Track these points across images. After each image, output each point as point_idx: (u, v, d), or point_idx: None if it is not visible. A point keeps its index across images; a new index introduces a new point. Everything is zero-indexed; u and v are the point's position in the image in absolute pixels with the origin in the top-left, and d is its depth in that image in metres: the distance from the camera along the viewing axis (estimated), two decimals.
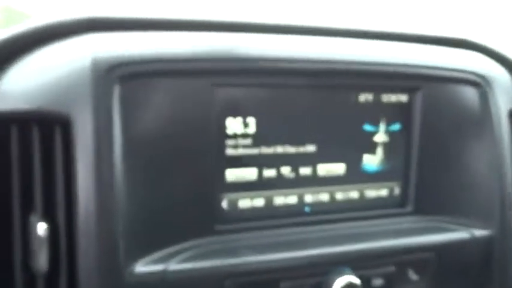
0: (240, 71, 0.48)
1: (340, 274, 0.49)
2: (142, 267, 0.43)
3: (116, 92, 0.42)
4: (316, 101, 0.52)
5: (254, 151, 0.50)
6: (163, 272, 0.43)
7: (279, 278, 0.47)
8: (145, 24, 0.47)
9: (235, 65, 0.47)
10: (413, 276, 0.54)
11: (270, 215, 0.52)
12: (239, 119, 0.49)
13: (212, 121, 0.48)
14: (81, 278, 0.41)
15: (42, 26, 0.45)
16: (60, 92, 0.42)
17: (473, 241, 0.57)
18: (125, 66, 0.43)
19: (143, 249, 0.44)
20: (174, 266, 0.44)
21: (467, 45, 0.62)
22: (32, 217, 0.42)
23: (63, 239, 0.42)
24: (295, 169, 0.53)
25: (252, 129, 0.50)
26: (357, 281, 0.49)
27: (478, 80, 0.58)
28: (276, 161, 0.51)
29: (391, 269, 0.52)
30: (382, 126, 0.56)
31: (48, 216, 0.42)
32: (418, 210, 0.58)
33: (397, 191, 0.58)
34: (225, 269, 0.45)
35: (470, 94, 0.58)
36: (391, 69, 0.53)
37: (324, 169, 0.54)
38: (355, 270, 0.50)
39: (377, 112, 0.55)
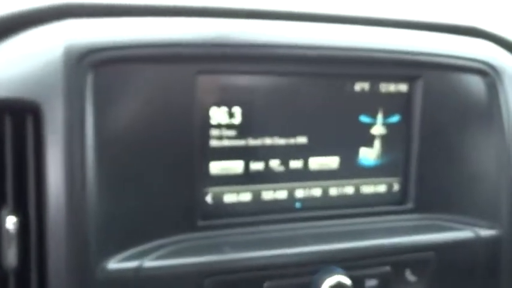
0: (225, 58, 0.45)
1: (330, 274, 0.46)
2: (115, 263, 0.41)
3: (90, 80, 0.40)
4: (308, 90, 0.49)
5: (240, 143, 0.47)
6: (137, 269, 0.41)
7: (263, 277, 0.45)
8: (122, 9, 0.44)
9: (220, 51, 0.44)
10: (410, 277, 0.50)
11: (257, 210, 0.49)
12: (224, 109, 0.47)
13: (195, 111, 0.45)
14: (51, 273, 0.39)
15: (15, 13, 0.43)
16: (33, 80, 0.40)
17: (478, 241, 0.53)
18: (98, 52, 0.40)
19: (118, 246, 0.42)
20: (149, 262, 0.41)
21: (477, 34, 0.58)
22: (3, 211, 0.40)
23: (34, 234, 0.40)
24: (285, 162, 0.50)
25: (237, 119, 0.47)
26: (347, 281, 0.46)
27: (486, 69, 0.53)
28: (264, 153, 0.49)
29: (387, 269, 0.49)
30: (379, 118, 0.52)
31: (20, 211, 0.40)
32: (419, 208, 0.54)
33: (396, 187, 0.55)
34: (204, 267, 0.43)
35: (477, 84, 0.54)
36: (389, 56, 0.50)
37: (316, 163, 0.51)
38: (347, 270, 0.47)
39: (374, 102, 0.52)
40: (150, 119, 0.43)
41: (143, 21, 0.44)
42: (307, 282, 0.46)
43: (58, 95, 0.39)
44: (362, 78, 0.51)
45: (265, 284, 0.44)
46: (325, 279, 0.46)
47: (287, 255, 0.46)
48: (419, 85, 0.52)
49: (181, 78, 0.44)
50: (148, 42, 0.42)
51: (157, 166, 0.44)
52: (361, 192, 0.53)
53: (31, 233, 0.40)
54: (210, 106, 0.46)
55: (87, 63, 0.40)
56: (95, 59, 0.40)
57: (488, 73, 0.53)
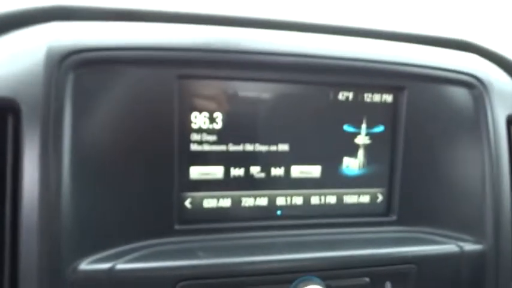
0: (206, 63, 0.45)
1: (307, 283, 0.46)
2: (87, 265, 0.41)
3: (70, 81, 0.41)
4: (291, 97, 0.49)
5: (221, 148, 0.48)
6: (109, 271, 0.41)
7: (238, 284, 0.44)
8: (106, 14, 0.45)
9: (201, 56, 0.45)
10: None
11: (237, 216, 0.49)
12: (205, 114, 0.47)
13: (176, 115, 0.45)
14: (22, 270, 0.39)
15: (1, 14, 0.44)
16: (14, 80, 0.41)
17: (462, 256, 0.52)
18: (79, 54, 0.41)
19: (92, 247, 0.42)
20: (121, 265, 0.41)
21: (465, 47, 0.58)
22: None
23: (8, 231, 0.40)
24: (266, 169, 0.50)
25: (218, 124, 0.47)
26: None
27: (472, 81, 0.53)
28: (244, 159, 0.49)
29: (366, 280, 0.48)
30: (364, 128, 0.52)
31: None
32: (402, 220, 0.54)
33: (379, 198, 0.54)
34: (178, 271, 0.43)
35: (463, 97, 0.54)
36: (374, 66, 0.50)
37: (298, 171, 0.51)
38: (324, 280, 0.47)
39: (359, 112, 0.52)
40: (129, 121, 0.44)
41: (125, 25, 0.45)
42: None
43: (37, 95, 0.40)
44: (346, 87, 0.51)
45: None
46: None
47: (263, 263, 0.45)
48: (405, 96, 0.52)
49: (162, 82, 0.44)
50: (129, 45, 0.42)
51: (136, 169, 0.44)
52: (343, 202, 0.53)
53: (5, 231, 0.40)
54: (191, 111, 0.46)
55: (67, 65, 0.41)
56: (76, 61, 0.41)
57: (475, 86, 0.53)
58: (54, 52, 0.41)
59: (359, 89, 0.51)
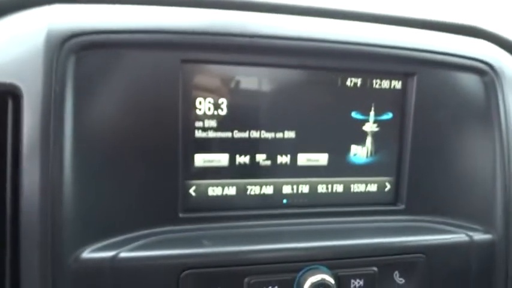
0: (210, 47, 0.44)
1: (314, 272, 0.45)
2: (90, 253, 0.40)
3: (71, 65, 0.40)
4: (298, 83, 0.48)
5: (225, 135, 0.46)
6: (113, 259, 0.40)
7: (244, 273, 0.43)
8: None
9: (205, 40, 0.43)
10: (398, 279, 0.49)
11: (242, 205, 0.48)
12: (210, 100, 0.46)
13: (180, 100, 0.44)
14: (23, 258, 0.38)
15: None
16: (15, 64, 0.40)
17: (472, 245, 0.51)
18: (80, 37, 0.40)
19: (95, 235, 0.41)
20: (125, 253, 0.41)
21: (477, 33, 0.57)
22: None
23: (9, 220, 0.39)
24: (272, 157, 0.48)
25: (223, 111, 0.46)
26: (331, 280, 0.44)
27: (484, 68, 0.52)
28: (250, 147, 0.47)
29: (374, 270, 0.47)
30: (372, 115, 0.51)
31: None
32: (410, 209, 0.53)
33: (387, 186, 0.53)
34: (182, 260, 0.42)
35: (474, 84, 0.52)
36: (383, 51, 0.48)
37: (305, 159, 0.50)
38: (331, 269, 0.46)
39: (367, 99, 0.50)
40: (132, 107, 0.43)
41: (128, 8, 0.43)
42: (290, 279, 0.45)
43: (38, 79, 0.39)
44: (354, 73, 0.49)
45: (246, 280, 0.43)
46: (308, 277, 0.44)
47: (269, 251, 0.45)
48: (414, 82, 0.50)
49: (166, 67, 0.43)
50: (131, 28, 0.41)
51: (139, 155, 0.43)
52: (351, 190, 0.52)
53: (6, 219, 0.39)
54: (195, 96, 0.45)
55: (68, 48, 0.39)
56: (77, 44, 0.40)
57: (486, 72, 0.52)
58: (54, 35, 0.39)
59: (367, 75, 0.50)
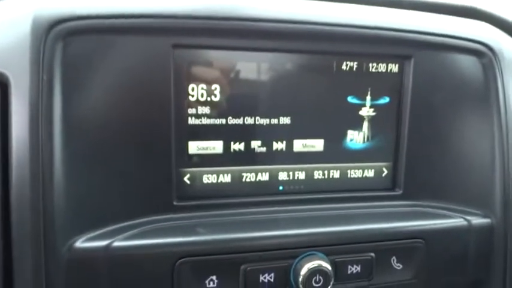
0: (203, 31, 0.43)
1: (311, 259, 0.44)
2: (84, 242, 0.39)
3: (58, 51, 0.39)
4: (292, 68, 0.47)
5: (219, 121, 0.46)
6: (106, 248, 0.39)
7: (240, 261, 0.43)
8: None
9: (199, 24, 0.42)
10: (396, 265, 0.48)
11: (238, 192, 0.48)
12: (202, 86, 0.45)
13: (172, 87, 0.43)
14: (15, 249, 0.38)
15: None
16: (1, 51, 0.39)
17: (470, 230, 0.51)
18: (67, 22, 0.39)
19: (88, 224, 0.40)
20: (119, 242, 0.40)
21: (473, 14, 0.56)
22: None
23: (0, 208, 0.38)
24: (267, 143, 0.48)
25: (216, 97, 0.45)
26: (327, 266, 0.44)
27: (482, 49, 0.51)
28: (244, 133, 0.47)
29: (371, 256, 0.47)
30: (368, 99, 0.50)
31: None
32: (408, 194, 0.52)
33: (385, 172, 0.52)
34: (177, 248, 0.41)
35: (472, 66, 0.52)
36: (378, 33, 0.47)
37: (301, 144, 0.49)
38: (328, 256, 0.45)
39: (363, 83, 0.50)
40: (123, 94, 0.42)
41: None
42: (287, 266, 0.44)
43: (25, 67, 0.38)
44: (350, 56, 0.48)
45: (242, 267, 0.43)
46: (305, 264, 0.44)
47: (265, 238, 0.44)
48: (411, 65, 0.50)
49: (157, 52, 0.42)
50: (120, 13, 0.40)
51: (132, 144, 0.42)
52: (347, 176, 0.51)
53: None
54: (187, 82, 0.44)
55: (55, 34, 0.38)
56: (64, 30, 0.39)
57: (484, 54, 0.51)
58: (41, 21, 0.38)
59: (363, 59, 0.49)
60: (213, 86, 0.45)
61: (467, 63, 0.51)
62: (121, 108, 0.42)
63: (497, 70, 0.51)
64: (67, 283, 0.39)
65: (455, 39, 0.50)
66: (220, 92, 0.45)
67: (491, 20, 0.56)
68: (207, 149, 0.46)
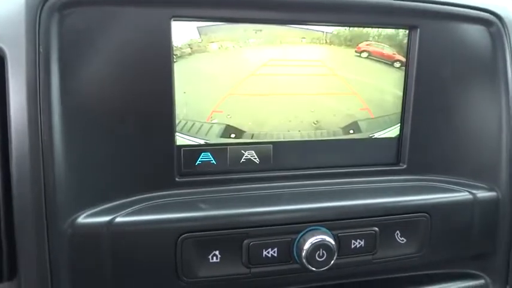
0: (203, 2, 0.41)
1: (314, 233, 0.44)
2: (86, 218, 0.39)
3: (54, 24, 0.38)
4: (300, 40, 0.46)
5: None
6: (109, 224, 0.39)
7: (242, 235, 0.43)
8: None
9: None
10: (400, 238, 0.48)
11: (240, 168, 0.47)
12: None
13: (172, 59, 0.42)
14: (18, 225, 0.38)
15: None
16: None
17: (475, 203, 0.50)
18: None
19: (90, 200, 0.40)
20: (121, 218, 0.40)
21: None
22: None
23: (1, 185, 0.38)
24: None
25: None
26: (331, 241, 0.44)
27: (489, 18, 0.49)
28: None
29: (374, 230, 0.46)
30: None
31: None
32: (413, 168, 0.51)
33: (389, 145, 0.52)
34: (179, 224, 0.41)
35: (480, 36, 0.50)
36: (383, 2, 0.46)
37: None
38: (332, 230, 0.45)
39: None
40: (122, 68, 0.41)
41: None
42: (290, 241, 0.44)
43: (21, 40, 0.37)
44: (355, 27, 0.47)
45: (244, 243, 0.43)
46: (308, 238, 0.44)
47: (268, 213, 0.44)
48: (417, 36, 0.48)
49: (156, 24, 0.41)
50: None
51: (132, 118, 0.42)
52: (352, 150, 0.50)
53: None
54: None
55: (51, 6, 0.37)
56: (60, 1, 0.37)
57: (492, 23, 0.49)
58: None
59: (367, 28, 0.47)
60: None
61: (475, 32, 0.50)
62: (120, 82, 0.41)
63: (505, 39, 0.50)
64: (70, 258, 0.39)
65: (461, 8, 0.49)
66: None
67: None
68: None
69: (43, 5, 0.37)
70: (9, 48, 0.37)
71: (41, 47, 0.37)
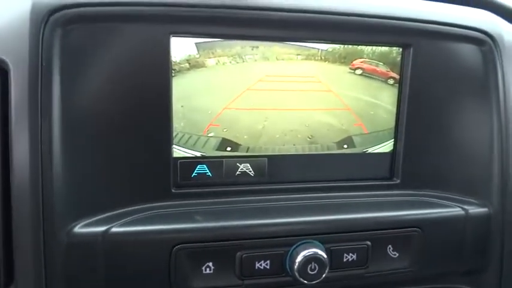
0: (201, 19, 0.43)
1: (306, 247, 0.45)
2: (82, 228, 0.40)
3: (57, 38, 0.39)
4: (293, 56, 0.47)
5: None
6: (104, 234, 0.40)
7: (235, 248, 0.43)
8: None
9: (197, 12, 0.42)
10: (392, 253, 0.49)
11: (236, 180, 0.48)
12: None
13: (171, 74, 0.43)
14: (16, 235, 0.38)
15: None
16: (1, 38, 0.39)
17: (467, 219, 0.51)
18: (66, 10, 0.39)
19: (87, 210, 0.41)
20: (117, 228, 0.41)
21: (474, 1, 0.55)
22: None
23: (0, 193, 0.39)
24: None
25: None
26: (323, 254, 0.44)
27: (481, 37, 0.50)
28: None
29: (367, 244, 0.47)
30: None
31: None
32: (406, 183, 0.52)
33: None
34: (174, 235, 0.42)
35: (473, 54, 0.51)
36: (377, 22, 0.47)
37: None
38: (324, 244, 0.46)
39: None
40: (121, 81, 0.42)
41: None
42: (282, 253, 0.45)
43: (25, 53, 0.38)
44: (349, 44, 0.48)
45: (238, 254, 0.43)
46: (300, 251, 0.44)
47: (262, 226, 0.45)
48: (410, 54, 0.49)
49: (155, 40, 0.42)
50: (118, 1, 0.40)
51: (130, 130, 0.43)
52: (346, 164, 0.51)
53: None
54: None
55: (54, 21, 0.39)
56: (63, 17, 0.39)
57: (484, 42, 0.50)
58: (39, 8, 0.39)
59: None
60: None
61: (467, 51, 0.51)
62: (119, 95, 0.42)
63: (497, 58, 0.51)
64: (66, 267, 0.40)
65: (454, 27, 0.50)
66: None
67: (491, 7, 0.56)
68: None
69: (47, 20, 0.38)
70: (12, 61, 0.38)
71: (43, 61, 0.38)
